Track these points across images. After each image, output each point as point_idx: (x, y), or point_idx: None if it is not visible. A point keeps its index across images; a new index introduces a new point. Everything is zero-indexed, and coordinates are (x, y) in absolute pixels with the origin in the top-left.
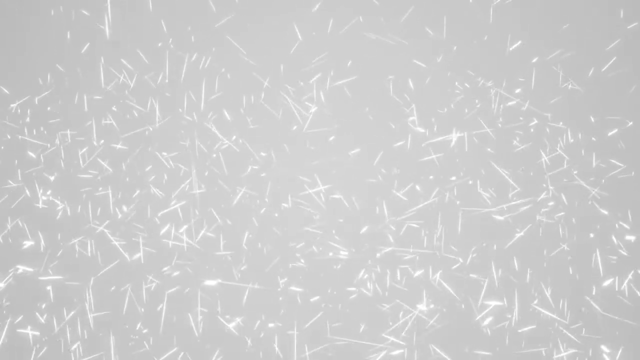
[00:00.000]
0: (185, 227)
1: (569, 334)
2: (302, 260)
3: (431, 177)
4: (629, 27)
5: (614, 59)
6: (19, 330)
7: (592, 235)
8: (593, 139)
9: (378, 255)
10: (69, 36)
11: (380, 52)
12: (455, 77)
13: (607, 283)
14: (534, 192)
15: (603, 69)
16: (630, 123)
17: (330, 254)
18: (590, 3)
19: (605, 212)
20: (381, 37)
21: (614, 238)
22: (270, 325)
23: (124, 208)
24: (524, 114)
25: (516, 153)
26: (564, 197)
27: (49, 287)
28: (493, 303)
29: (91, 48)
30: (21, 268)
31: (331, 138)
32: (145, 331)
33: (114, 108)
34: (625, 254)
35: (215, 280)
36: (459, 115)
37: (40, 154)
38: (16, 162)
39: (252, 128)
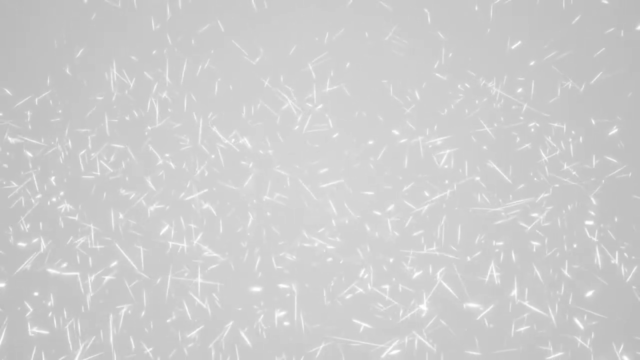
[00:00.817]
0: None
1: (576, 336)
2: (294, 256)
3: (429, 176)
4: (606, 32)
5: (611, 59)
6: (32, 330)
7: (589, 233)
8: (593, 139)
9: (378, 255)
10: (67, 38)
11: (381, 53)
12: (455, 78)
13: (606, 282)
14: (534, 191)
15: (602, 72)
16: (619, 118)
17: (318, 245)
18: (587, 6)
19: (603, 212)
20: (383, 39)
21: (611, 235)
22: (283, 322)
23: (125, 209)
24: (524, 114)
25: (516, 153)
26: (563, 197)
27: (50, 287)
28: (487, 306)
29: (92, 49)
30: (27, 267)
31: (335, 135)
32: (169, 318)
33: (122, 112)
34: (625, 254)
35: (259, 287)
36: (459, 115)
37: (42, 154)
38: (17, 162)
39: (252, 128)
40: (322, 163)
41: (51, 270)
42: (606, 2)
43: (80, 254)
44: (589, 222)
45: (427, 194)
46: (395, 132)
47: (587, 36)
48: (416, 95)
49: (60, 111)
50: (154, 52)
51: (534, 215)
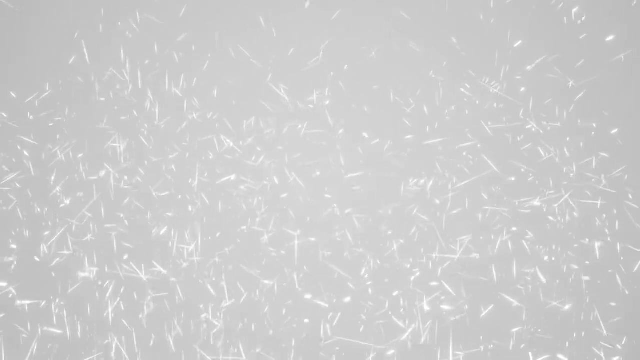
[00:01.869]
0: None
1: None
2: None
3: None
4: (581, 37)
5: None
6: (45, 329)
7: (590, 232)
8: (592, 139)
9: (378, 259)
10: (68, 39)
11: (382, 54)
12: (456, 79)
13: (608, 282)
14: (534, 191)
15: (600, 74)
16: (606, 114)
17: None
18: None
19: (603, 211)
20: (387, 41)
21: (611, 235)
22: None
23: (125, 210)
24: (524, 114)
25: (517, 153)
26: (563, 197)
27: (51, 287)
28: (486, 306)
29: (93, 50)
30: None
31: (340, 131)
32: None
33: (123, 113)
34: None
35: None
36: (459, 115)
37: (42, 155)
38: (17, 164)
39: (251, 129)
40: (323, 162)
41: (52, 274)
42: (577, 12)
43: (81, 255)
44: (591, 221)
45: (437, 201)
46: (365, 134)
47: (581, 41)
48: (415, 94)
49: (60, 112)
50: (147, 61)
51: (535, 214)
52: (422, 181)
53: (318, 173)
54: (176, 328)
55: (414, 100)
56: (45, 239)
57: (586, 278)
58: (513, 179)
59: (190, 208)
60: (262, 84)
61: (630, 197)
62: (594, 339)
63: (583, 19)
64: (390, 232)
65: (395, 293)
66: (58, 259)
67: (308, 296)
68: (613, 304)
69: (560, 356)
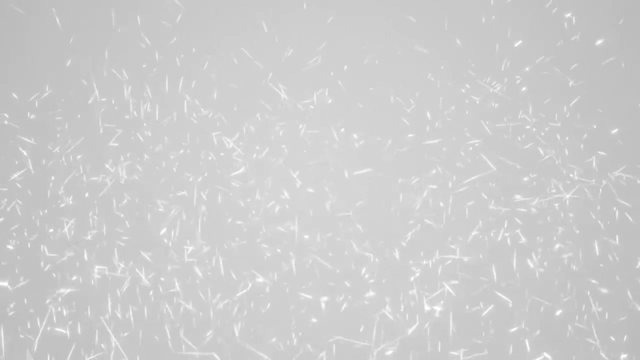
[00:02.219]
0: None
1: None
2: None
3: (433, 172)
4: (572, 38)
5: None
6: (53, 329)
7: (590, 232)
8: (592, 139)
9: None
10: (68, 39)
11: (381, 54)
12: (456, 79)
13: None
14: (534, 191)
15: (601, 73)
16: (600, 111)
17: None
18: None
19: (603, 211)
20: (388, 43)
21: (611, 234)
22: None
23: (125, 211)
24: (524, 114)
25: (517, 153)
26: (562, 196)
27: (51, 287)
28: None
29: (96, 51)
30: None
31: (342, 130)
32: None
33: (122, 113)
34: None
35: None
36: (459, 115)
37: (42, 155)
38: (18, 165)
39: (251, 129)
40: (323, 161)
41: (53, 274)
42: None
43: (81, 255)
44: (590, 220)
45: (422, 190)
46: (355, 135)
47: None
48: (415, 94)
49: (61, 112)
50: (148, 61)
51: (533, 214)
52: (433, 171)
53: (308, 179)
54: (175, 324)
55: (414, 101)
56: (46, 238)
57: (604, 290)
58: (525, 179)
59: (189, 207)
60: (262, 84)
61: (630, 196)
62: (594, 339)
63: (579, 34)
64: (390, 232)
65: (396, 293)
66: (58, 259)
67: (324, 298)
68: (614, 305)
69: (557, 355)
